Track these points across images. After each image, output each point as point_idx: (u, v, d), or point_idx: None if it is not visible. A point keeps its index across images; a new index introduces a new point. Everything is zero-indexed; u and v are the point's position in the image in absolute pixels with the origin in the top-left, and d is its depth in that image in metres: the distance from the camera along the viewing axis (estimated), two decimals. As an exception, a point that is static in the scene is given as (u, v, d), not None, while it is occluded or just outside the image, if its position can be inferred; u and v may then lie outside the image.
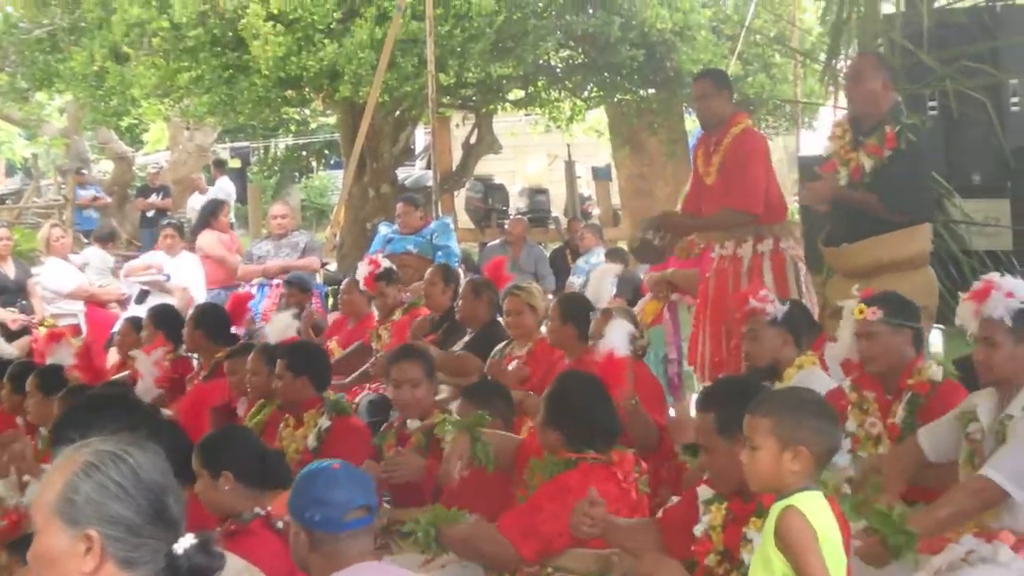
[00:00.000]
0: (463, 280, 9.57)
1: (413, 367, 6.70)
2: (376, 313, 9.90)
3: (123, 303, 13.33)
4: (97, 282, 13.69)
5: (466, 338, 8.80)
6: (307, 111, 21.06)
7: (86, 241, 18.32)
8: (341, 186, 18.13)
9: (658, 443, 6.34)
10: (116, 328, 11.17)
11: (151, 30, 15.01)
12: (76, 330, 12.35)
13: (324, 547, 4.23)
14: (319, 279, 13.42)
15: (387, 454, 6.60)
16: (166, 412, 7.62)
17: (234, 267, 12.90)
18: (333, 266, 15.86)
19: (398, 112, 16.88)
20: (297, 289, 11.17)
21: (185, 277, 13.22)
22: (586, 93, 18.87)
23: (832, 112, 11.01)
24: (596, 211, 23.54)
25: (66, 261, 13.38)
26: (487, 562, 5.34)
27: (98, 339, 11.60)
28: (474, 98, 18.14)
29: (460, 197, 20.59)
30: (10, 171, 39.36)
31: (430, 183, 15.77)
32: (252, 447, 5.34)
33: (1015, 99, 9.46)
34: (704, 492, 4.64)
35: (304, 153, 29.81)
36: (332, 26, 14.63)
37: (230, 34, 14.98)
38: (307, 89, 16.04)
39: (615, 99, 18.63)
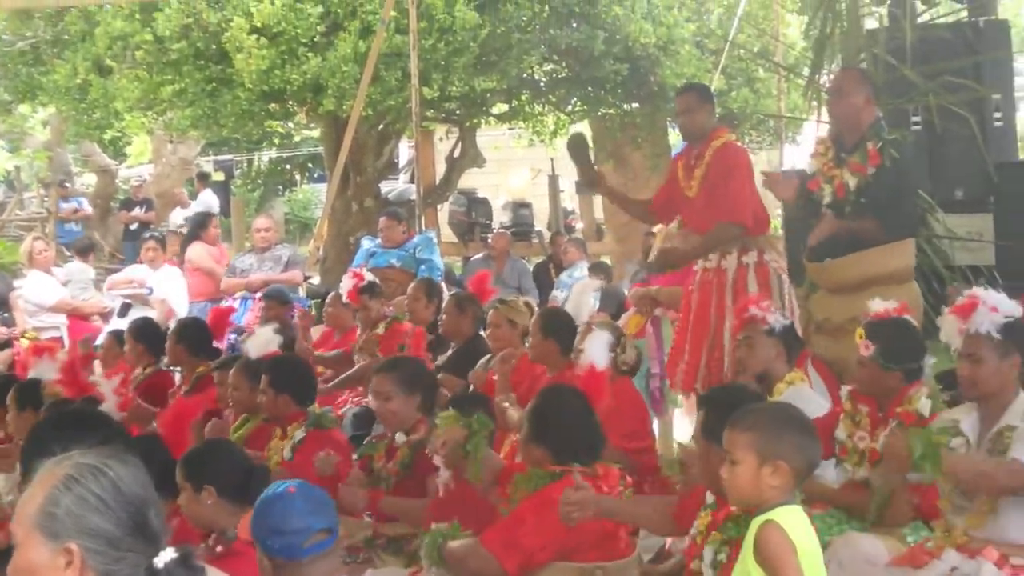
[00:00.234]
0: (446, 294, 9.56)
1: (385, 380, 6.68)
2: (359, 326, 9.88)
3: (105, 316, 13.30)
4: (79, 296, 13.66)
5: (448, 352, 8.79)
6: (291, 124, 21.03)
7: (69, 254, 18.28)
8: (324, 200, 18.08)
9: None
10: (99, 341, 11.14)
11: (134, 43, 15.01)
12: (59, 343, 12.31)
13: (288, 573, 4.23)
14: (302, 292, 13.40)
15: (377, 465, 6.60)
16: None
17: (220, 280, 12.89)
18: (316, 280, 15.85)
19: (382, 126, 16.87)
20: (276, 302, 11.06)
21: (167, 290, 13.19)
22: (570, 107, 18.87)
23: (815, 127, 11.03)
24: (580, 225, 23.53)
25: (49, 274, 13.36)
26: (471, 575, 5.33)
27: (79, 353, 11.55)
28: (458, 112, 18.13)
29: (443, 211, 20.56)
30: (-7, 183, 39.27)
31: (413, 197, 15.78)
32: (236, 462, 5.27)
33: (998, 114, 9.49)
34: (709, 496, 4.66)
35: (288, 166, 29.75)
36: (316, 39, 14.63)
37: (214, 47, 14.97)
38: (291, 102, 16.02)
39: (599, 113, 18.64)
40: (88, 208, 25.63)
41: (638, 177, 19.54)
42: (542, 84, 18.45)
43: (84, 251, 15.59)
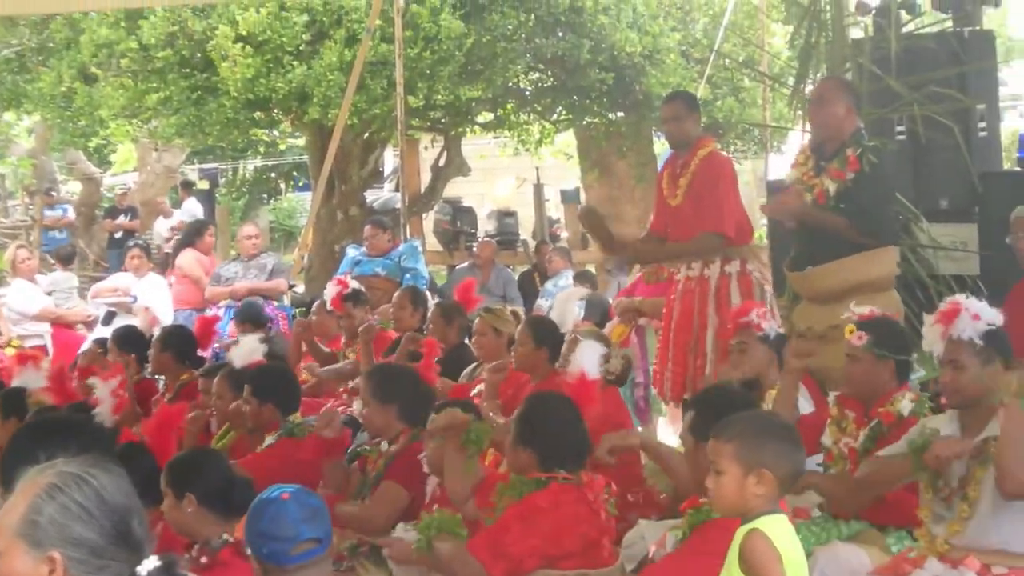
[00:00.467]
0: (431, 303, 9.55)
1: (362, 387, 6.73)
2: (344, 335, 9.86)
3: (89, 324, 13.27)
4: (63, 304, 13.63)
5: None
6: (276, 133, 20.99)
7: (53, 262, 18.24)
8: (309, 208, 18.06)
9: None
10: (83, 349, 11.11)
11: (120, 51, 15.01)
12: (43, 351, 12.28)
13: None
14: (287, 301, 13.37)
15: (369, 467, 6.61)
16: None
17: (205, 289, 12.87)
18: (301, 288, 15.82)
19: (367, 134, 16.88)
20: (250, 325, 10.49)
21: (151, 298, 13.16)
22: (555, 116, 18.91)
23: (801, 136, 11.04)
24: (565, 234, 23.48)
25: (32, 282, 13.33)
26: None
27: (64, 360, 11.53)
28: (443, 120, 18.14)
29: (429, 219, 20.54)
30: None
31: (399, 205, 15.76)
32: (219, 472, 5.22)
33: (982, 124, 9.48)
34: None
35: (273, 175, 29.76)
36: (301, 48, 14.64)
37: (199, 55, 14.98)
38: (276, 111, 16.03)
39: (584, 122, 18.67)
40: (73, 216, 25.58)
41: (623, 186, 19.60)
42: (527, 93, 18.48)
43: (67, 259, 15.58)
